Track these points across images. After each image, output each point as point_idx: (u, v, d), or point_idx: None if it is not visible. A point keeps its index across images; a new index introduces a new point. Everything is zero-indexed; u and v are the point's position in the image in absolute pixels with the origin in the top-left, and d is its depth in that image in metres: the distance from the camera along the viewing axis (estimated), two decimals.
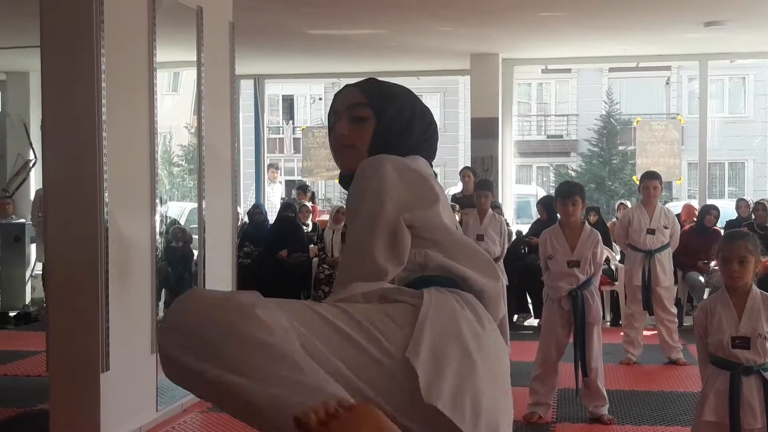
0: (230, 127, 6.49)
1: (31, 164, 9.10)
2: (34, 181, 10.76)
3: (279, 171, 13.21)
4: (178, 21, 5.75)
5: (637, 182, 7.80)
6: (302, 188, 11.98)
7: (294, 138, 26.26)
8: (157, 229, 5.30)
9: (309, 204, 11.15)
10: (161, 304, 5.95)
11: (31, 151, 8.99)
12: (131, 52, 5.04)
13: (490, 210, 7.25)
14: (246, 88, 13.49)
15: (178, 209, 8.48)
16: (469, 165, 11.00)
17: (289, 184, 21.25)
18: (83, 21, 4.59)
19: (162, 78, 5.61)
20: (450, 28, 9.31)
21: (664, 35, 9.98)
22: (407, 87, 2.07)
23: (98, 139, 4.59)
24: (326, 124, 2.08)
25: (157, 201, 5.24)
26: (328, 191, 25.70)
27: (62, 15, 4.66)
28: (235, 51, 6.51)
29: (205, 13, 5.90)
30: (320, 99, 29.66)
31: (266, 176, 13.12)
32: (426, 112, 2.04)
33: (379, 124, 1.94)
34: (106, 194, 4.62)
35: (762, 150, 27.45)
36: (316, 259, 9.80)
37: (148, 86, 5.16)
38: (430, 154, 2.04)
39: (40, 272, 8.94)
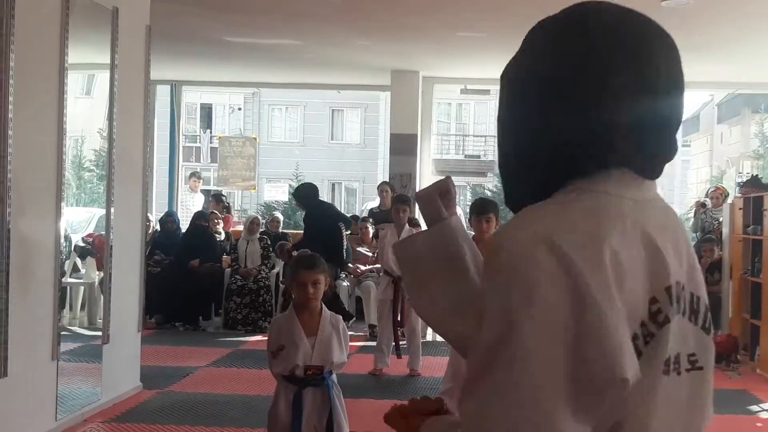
0: (143, 132, 6.36)
1: None
2: None
3: (200, 180, 12.98)
4: (93, 21, 5.63)
5: None
6: (216, 197, 11.82)
7: (211, 147, 25.96)
8: (62, 234, 5.15)
9: (220, 212, 10.95)
10: (65, 312, 5.77)
11: None
12: (42, 50, 4.90)
13: (407, 225, 7.26)
14: (162, 95, 13.28)
15: (88, 215, 8.28)
16: (387, 180, 11.02)
17: (205, 194, 20.95)
18: None
19: (75, 80, 5.47)
20: (368, 42, 9.33)
21: None
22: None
23: (3, 139, 4.44)
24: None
25: (63, 204, 5.08)
26: (245, 201, 25.44)
27: None
28: (152, 55, 6.39)
29: (121, 14, 5.79)
30: (239, 109, 29.40)
31: (187, 185, 12.90)
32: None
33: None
34: (9, 195, 4.46)
35: None
36: (228, 270, 9.69)
37: (59, 87, 5.02)
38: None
39: None
